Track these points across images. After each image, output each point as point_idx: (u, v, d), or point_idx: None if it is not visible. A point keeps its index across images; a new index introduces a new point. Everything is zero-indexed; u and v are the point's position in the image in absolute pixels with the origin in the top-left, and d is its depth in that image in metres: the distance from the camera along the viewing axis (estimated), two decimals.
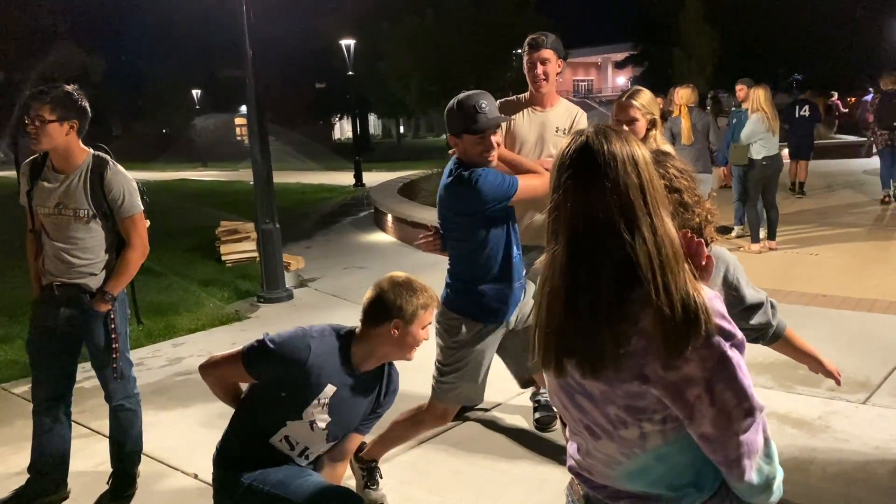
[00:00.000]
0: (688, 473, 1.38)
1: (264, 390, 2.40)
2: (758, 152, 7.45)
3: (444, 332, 3.03)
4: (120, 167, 3.17)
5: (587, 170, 1.30)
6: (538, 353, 1.39)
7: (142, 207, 3.20)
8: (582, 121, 3.69)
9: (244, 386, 2.55)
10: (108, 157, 3.16)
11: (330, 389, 2.36)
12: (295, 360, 2.30)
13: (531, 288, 3.09)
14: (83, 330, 3.18)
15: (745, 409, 1.27)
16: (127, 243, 3.18)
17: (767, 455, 1.32)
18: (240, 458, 2.44)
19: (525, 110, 3.69)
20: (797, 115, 10.62)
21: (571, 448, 1.53)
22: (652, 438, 1.34)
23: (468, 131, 2.83)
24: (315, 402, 2.36)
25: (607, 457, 1.41)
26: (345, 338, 2.41)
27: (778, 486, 1.35)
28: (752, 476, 1.30)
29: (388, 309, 2.36)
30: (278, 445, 2.43)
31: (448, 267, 3.08)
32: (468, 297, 2.99)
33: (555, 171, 1.35)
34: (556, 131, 3.63)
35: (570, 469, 1.54)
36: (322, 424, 2.41)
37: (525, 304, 3.08)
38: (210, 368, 2.48)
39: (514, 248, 3.01)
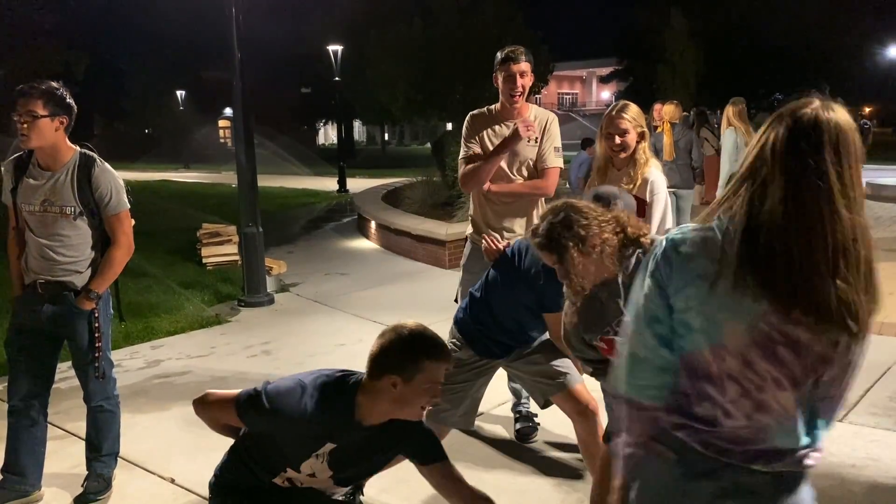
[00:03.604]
0: None
1: (260, 437, 2.29)
2: (733, 167, 7.50)
3: None
4: (107, 165, 3.16)
5: None
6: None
7: (128, 205, 3.19)
8: (554, 125, 3.72)
9: None
10: (95, 155, 3.14)
11: (329, 446, 2.22)
12: (287, 420, 2.15)
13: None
14: (66, 328, 3.15)
15: None
16: (112, 241, 3.17)
17: None
18: (246, 488, 2.33)
19: (497, 124, 3.71)
20: None
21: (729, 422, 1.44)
22: None
23: None
24: (313, 457, 2.23)
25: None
26: (351, 388, 2.20)
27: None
28: None
29: (387, 362, 2.14)
30: (282, 485, 2.33)
31: (479, 294, 3.13)
32: (480, 333, 3.10)
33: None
34: (528, 141, 3.65)
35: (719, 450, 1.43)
36: (324, 476, 2.29)
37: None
38: (204, 407, 2.34)
39: (535, 333, 3.11)
